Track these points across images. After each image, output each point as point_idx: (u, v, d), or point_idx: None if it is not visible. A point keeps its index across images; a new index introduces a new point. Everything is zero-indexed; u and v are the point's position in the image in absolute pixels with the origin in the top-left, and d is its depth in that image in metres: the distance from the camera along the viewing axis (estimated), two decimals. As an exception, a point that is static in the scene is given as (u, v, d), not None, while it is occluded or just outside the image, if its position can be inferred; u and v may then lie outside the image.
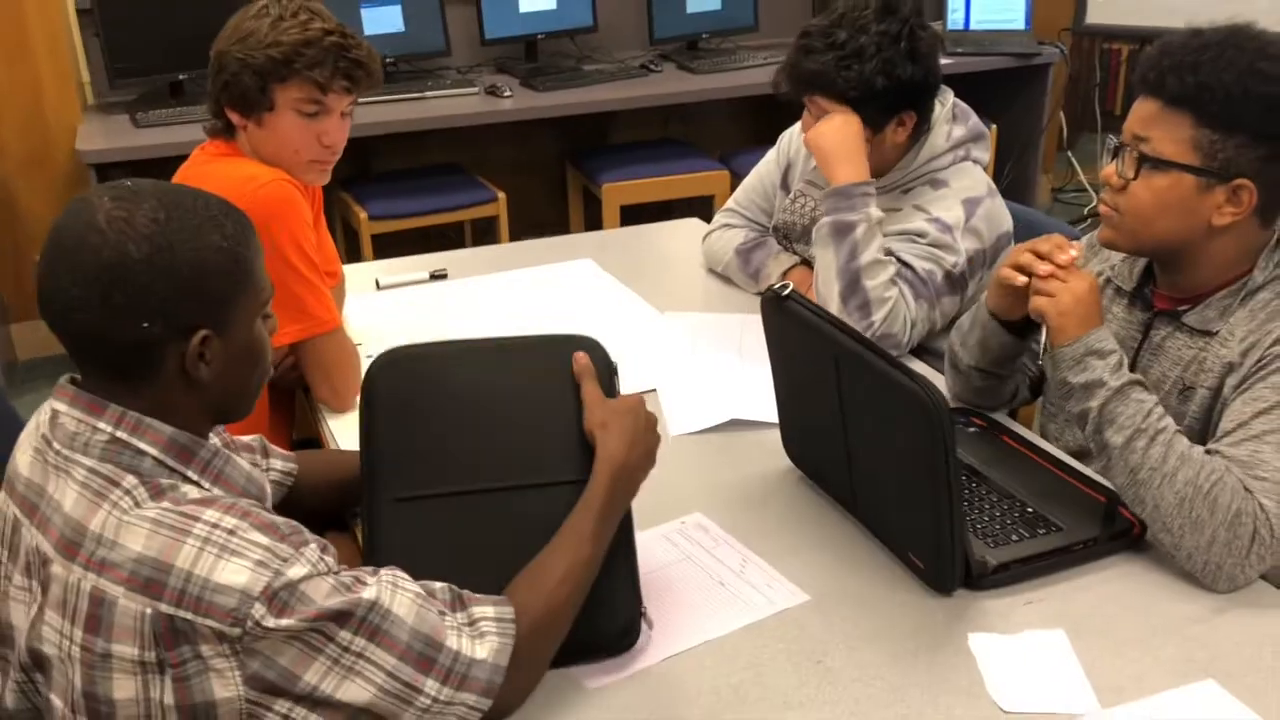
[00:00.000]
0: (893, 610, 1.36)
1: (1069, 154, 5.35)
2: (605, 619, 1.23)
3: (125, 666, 1.04)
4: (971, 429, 1.70)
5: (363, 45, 1.83)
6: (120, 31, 3.72)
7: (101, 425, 1.10)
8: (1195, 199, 1.46)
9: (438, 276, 2.38)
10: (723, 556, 1.46)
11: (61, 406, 1.12)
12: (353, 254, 4.14)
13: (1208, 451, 1.40)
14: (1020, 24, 4.62)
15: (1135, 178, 1.49)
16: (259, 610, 1.03)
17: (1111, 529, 1.44)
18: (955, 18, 4.66)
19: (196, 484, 1.13)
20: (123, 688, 1.05)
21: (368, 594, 1.08)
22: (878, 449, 1.41)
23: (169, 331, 1.09)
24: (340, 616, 1.06)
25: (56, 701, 1.10)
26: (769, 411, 1.68)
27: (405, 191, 3.97)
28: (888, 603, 1.38)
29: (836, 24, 1.97)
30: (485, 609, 1.15)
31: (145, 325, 1.07)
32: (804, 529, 1.52)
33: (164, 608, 1.03)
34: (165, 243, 1.07)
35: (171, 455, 1.12)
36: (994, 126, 4.61)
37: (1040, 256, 1.50)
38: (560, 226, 4.39)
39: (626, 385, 1.89)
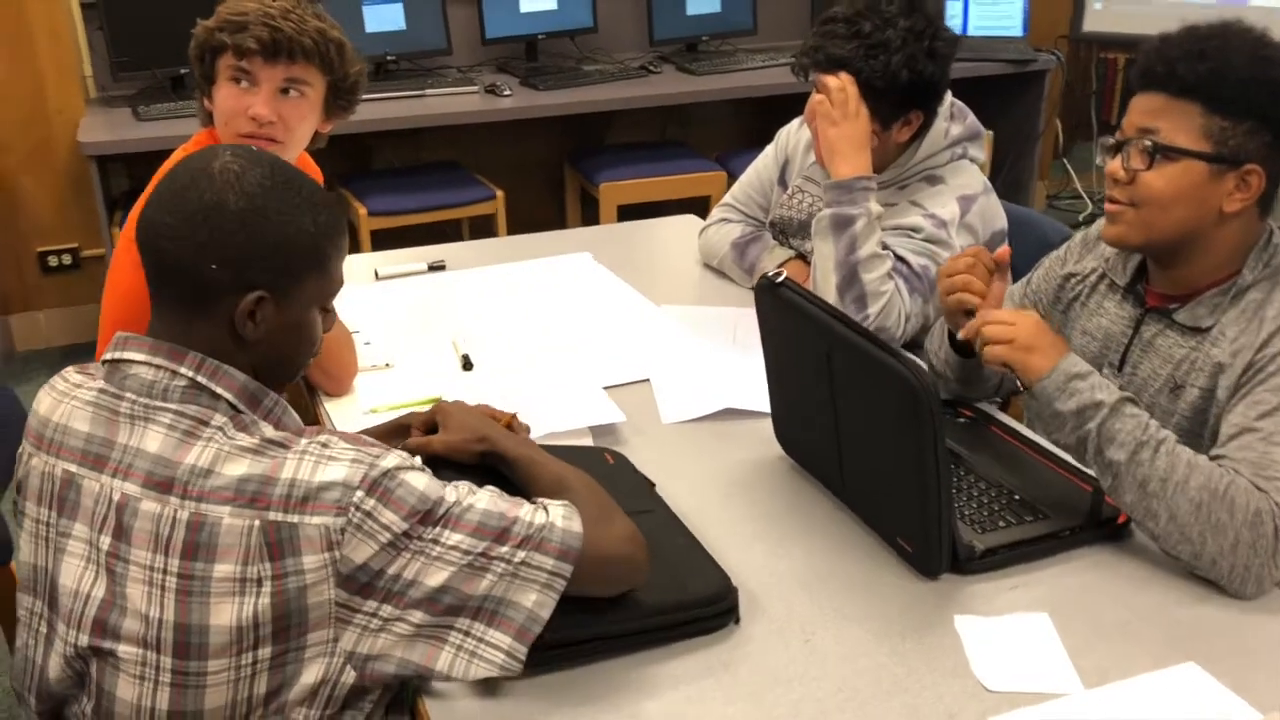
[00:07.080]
0: (881, 592, 1.39)
1: (1064, 161, 5.38)
2: (698, 585, 1.34)
3: (225, 588, 1.08)
4: (960, 420, 1.73)
5: (293, 19, 1.78)
6: (123, 25, 3.74)
7: (183, 370, 1.15)
8: (1207, 186, 1.48)
9: (436, 268, 2.40)
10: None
11: (139, 357, 1.16)
12: (352, 249, 4.15)
13: (1213, 458, 1.41)
14: (1017, 30, 4.64)
15: (1149, 169, 1.49)
16: (359, 496, 1.09)
17: (1097, 517, 1.46)
18: (953, 22, 4.67)
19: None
20: (221, 612, 1.09)
21: (449, 493, 1.16)
22: (868, 434, 1.43)
23: (232, 282, 1.15)
24: (425, 516, 1.12)
25: (129, 650, 1.11)
26: (762, 401, 1.70)
27: (404, 188, 3.99)
28: (876, 585, 1.40)
29: (861, 14, 1.97)
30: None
31: (214, 267, 1.14)
32: (794, 515, 1.55)
33: (272, 515, 1.09)
34: (261, 205, 1.15)
35: (243, 400, 1.17)
36: (990, 132, 4.63)
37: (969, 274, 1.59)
38: (558, 225, 4.41)
39: (621, 375, 1.93)
